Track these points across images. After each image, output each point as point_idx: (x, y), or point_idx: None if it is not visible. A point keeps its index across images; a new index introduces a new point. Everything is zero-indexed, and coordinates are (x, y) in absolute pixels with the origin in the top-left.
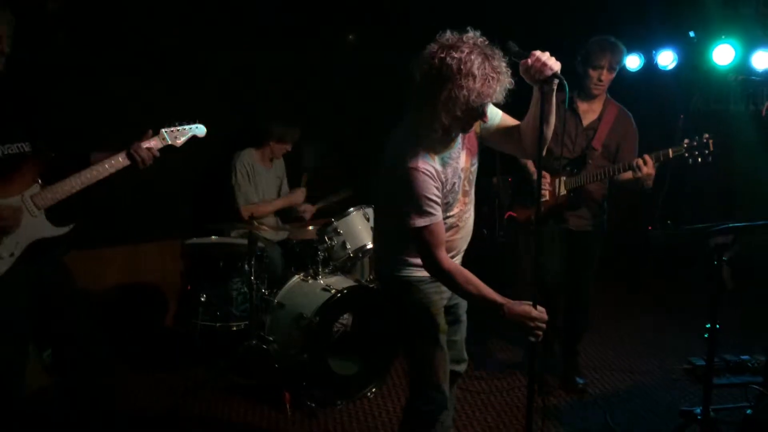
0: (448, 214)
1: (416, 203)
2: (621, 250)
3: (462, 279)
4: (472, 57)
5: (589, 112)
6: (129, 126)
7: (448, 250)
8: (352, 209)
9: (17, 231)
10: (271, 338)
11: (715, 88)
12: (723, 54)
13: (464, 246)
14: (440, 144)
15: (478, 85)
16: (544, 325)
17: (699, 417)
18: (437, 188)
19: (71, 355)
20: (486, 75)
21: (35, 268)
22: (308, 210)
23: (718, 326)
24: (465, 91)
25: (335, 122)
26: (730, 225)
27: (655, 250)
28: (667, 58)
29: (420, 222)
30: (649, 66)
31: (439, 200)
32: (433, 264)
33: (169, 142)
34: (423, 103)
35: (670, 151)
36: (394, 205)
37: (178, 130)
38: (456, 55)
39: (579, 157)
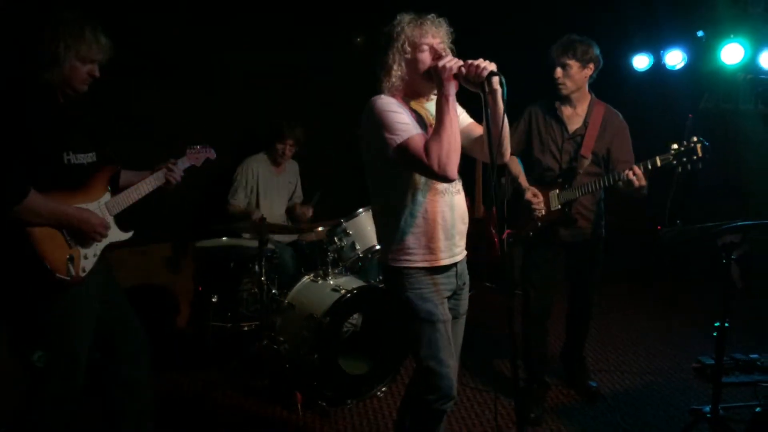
0: None
1: (384, 123)
2: (630, 249)
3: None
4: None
5: (574, 116)
6: (147, 138)
7: (436, 225)
8: (361, 210)
9: None
10: (281, 338)
11: (723, 87)
12: (732, 53)
13: (461, 225)
14: (407, 96)
15: (405, 27)
16: None
17: (708, 415)
18: (399, 107)
19: (126, 348)
20: (411, 20)
21: (103, 270)
22: (306, 211)
23: (727, 325)
24: (401, 37)
25: (343, 122)
26: (739, 223)
27: (665, 250)
28: (675, 58)
29: (396, 139)
30: (658, 66)
31: (406, 116)
32: (434, 174)
33: (192, 163)
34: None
35: (658, 159)
36: (373, 153)
37: (198, 151)
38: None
39: (569, 168)
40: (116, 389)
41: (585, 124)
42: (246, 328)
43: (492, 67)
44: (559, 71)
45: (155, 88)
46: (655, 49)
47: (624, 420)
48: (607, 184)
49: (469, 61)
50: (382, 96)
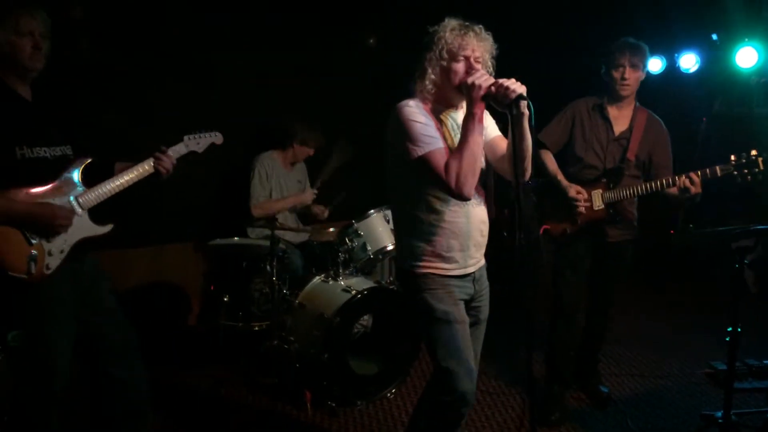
0: None
1: (408, 132)
2: (642, 252)
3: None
4: (446, 27)
5: (620, 118)
6: (151, 131)
7: (452, 235)
8: (372, 211)
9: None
10: (292, 338)
11: (737, 91)
12: (746, 57)
13: (479, 238)
14: (437, 102)
15: (446, 34)
16: None
17: (720, 421)
18: (426, 118)
19: (111, 348)
20: (454, 28)
21: (78, 265)
22: (320, 211)
23: (739, 330)
24: (440, 42)
25: (356, 124)
26: (753, 228)
27: (677, 253)
28: (689, 61)
29: (418, 150)
30: (672, 69)
31: (431, 128)
32: (451, 191)
33: (192, 149)
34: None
35: (718, 169)
36: (396, 158)
37: (198, 137)
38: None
39: (614, 169)
40: (107, 391)
41: (630, 127)
42: (257, 328)
43: (521, 90)
44: (629, 71)
45: (166, 85)
46: (669, 52)
47: (635, 424)
48: (656, 188)
49: (500, 81)
50: (410, 102)
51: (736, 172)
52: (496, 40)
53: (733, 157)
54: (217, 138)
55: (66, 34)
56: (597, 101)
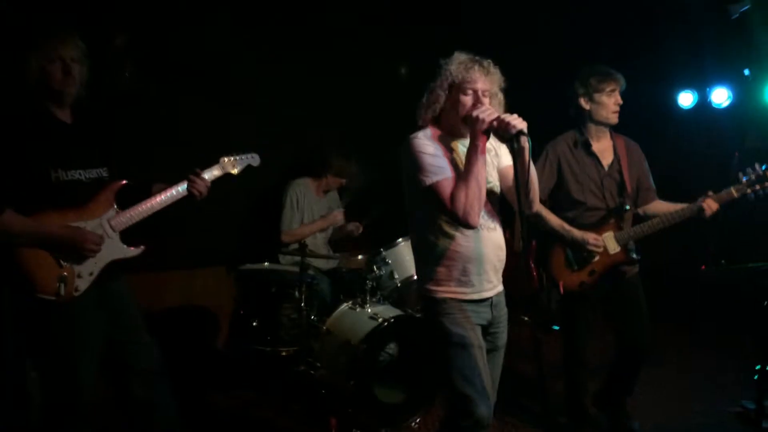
0: None
1: (418, 163)
2: (672, 288)
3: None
4: (455, 61)
5: (604, 151)
6: (189, 154)
7: (467, 260)
8: (400, 239)
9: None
10: (319, 364)
11: None
12: None
13: (496, 262)
14: (447, 132)
15: (453, 67)
16: None
17: None
18: (435, 148)
19: (139, 370)
20: (462, 62)
21: (109, 287)
22: (355, 228)
23: None
24: (447, 75)
25: (387, 147)
26: None
27: (707, 289)
28: (721, 96)
29: (428, 180)
30: (703, 103)
31: (440, 158)
32: (457, 219)
33: (228, 171)
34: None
35: (734, 190)
36: (409, 186)
37: (235, 159)
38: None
39: (618, 207)
40: (136, 414)
41: (616, 157)
42: (284, 353)
43: (522, 126)
44: (619, 97)
45: (207, 116)
46: (701, 87)
47: None
48: (675, 220)
49: (502, 116)
50: (419, 134)
51: (749, 190)
52: (523, 74)
53: (743, 179)
54: (254, 160)
55: (109, 61)
56: (576, 137)
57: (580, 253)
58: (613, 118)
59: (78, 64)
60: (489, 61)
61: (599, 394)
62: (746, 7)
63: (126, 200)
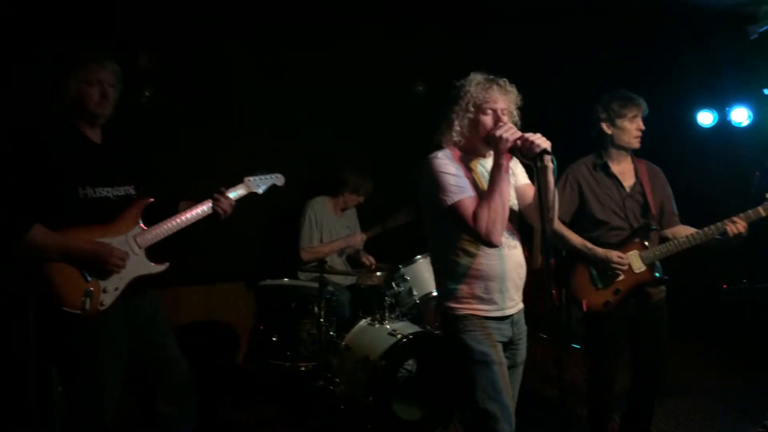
0: None
1: (438, 183)
2: (694, 307)
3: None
4: (472, 81)
5: (624, 173)
6: (213, 174)
7: (483, 277)
8: (419, 256)
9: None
10: (337, 380)
11: None
12: None
13: (517, 280)
14: (465, 152)
15: (472, 88)
16: None
17: None
18: (455, 168)
19: (163, 384)
20: (480, 82)
21: (135, 303)
22: (370, 263)
23: None
24: (466, 96)
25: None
26: None
27: (729, 308)
28: (741, 115)
29: (449, 199)
30: (723, 122)
31: (461, 178)
32: (480, 238)
33: (252, 190)
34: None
35: (761, 209)
36: (429, 207)
37: (260, 178)
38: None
39: (643, 226)
40: (156, 427)
41: (639, 180)
42: (303, 368)
43: (546, 144)
44: (641, 122)
45: (230, 136)
46: (720, 106)
47: None
48: (701, 240)
49: (526, 135)
50: (439, 155)
51: None
52: (545, 96)
53: (767, 194)
54: (278, 179)
55: (133, 81)
56: (596, 160)
57: (605, 272)
58: (635, 143)
59: (113, 88)
60: (505, 79)
61: (624, 418)
62: (765, 28)
63: (153, 217)
